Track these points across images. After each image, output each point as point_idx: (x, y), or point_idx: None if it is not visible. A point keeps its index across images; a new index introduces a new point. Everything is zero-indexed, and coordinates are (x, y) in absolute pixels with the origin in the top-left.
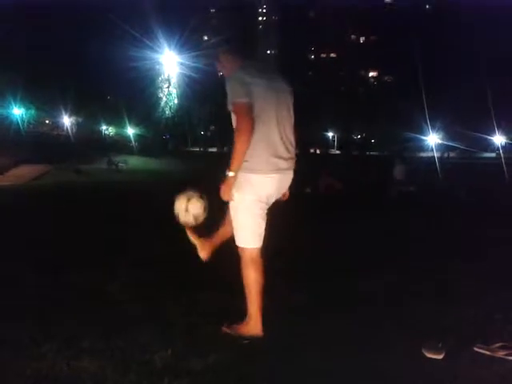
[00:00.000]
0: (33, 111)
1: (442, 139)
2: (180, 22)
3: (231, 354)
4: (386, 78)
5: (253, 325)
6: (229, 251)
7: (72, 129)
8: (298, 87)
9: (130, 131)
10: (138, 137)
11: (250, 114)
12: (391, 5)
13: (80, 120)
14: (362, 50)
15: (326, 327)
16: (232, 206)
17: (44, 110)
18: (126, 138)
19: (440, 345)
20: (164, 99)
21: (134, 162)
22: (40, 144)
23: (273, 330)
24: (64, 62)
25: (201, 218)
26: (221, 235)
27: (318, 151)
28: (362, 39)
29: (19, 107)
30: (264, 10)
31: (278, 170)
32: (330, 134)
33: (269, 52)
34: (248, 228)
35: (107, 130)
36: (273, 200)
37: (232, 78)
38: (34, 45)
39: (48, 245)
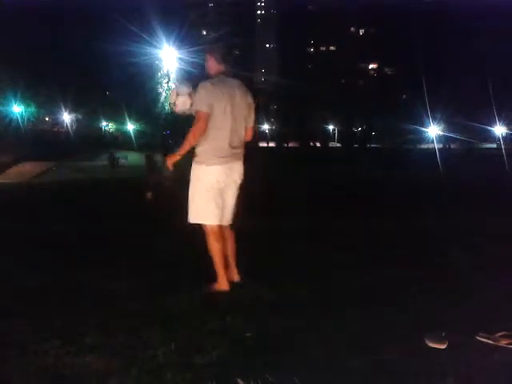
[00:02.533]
0: (33, 108)
1: (443, 131)
2: (179, 17)
3: (233, 349)
4: (386, 70)
5: (221, 283)
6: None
7: (72, 126)
8: (297, 81)
9: (130, 127)
10: (138, 133)
11: (205, 123)
12: None
13: (80, 117)
14: (362, 42)
15: (328, 323)
16: (190, 191)
17: (44, 107)
18: (126, 134)
19: (443, 334)
20: (164, 94)
21: (135, 157)
22: (40, 141)
23: (275, 325)
24: (63, 59)
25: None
26: (228, 254)
27: (317, 144)
28: (361, 31)
29: (19, 104)
30: (262, 4)
31: (222, 162)
32: (331, 127)
33: (267, 46)
34: (204, 208)
35: (107, 126)
36: (228, 184)
37: (203, 86)
38: (33, 42)
39: (49, 243)
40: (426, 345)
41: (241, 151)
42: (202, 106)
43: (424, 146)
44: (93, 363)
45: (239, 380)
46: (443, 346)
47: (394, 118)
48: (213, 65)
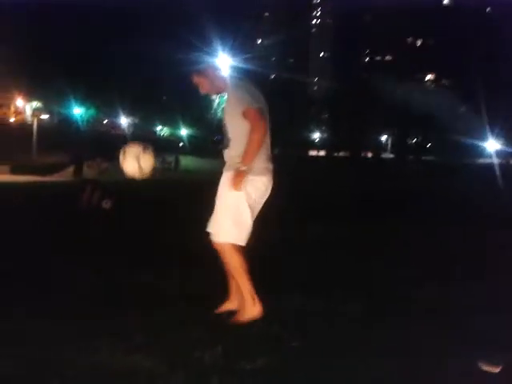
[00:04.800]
0: (92, 111)
1: (503, 145)
2: (234, 25)
3: (280, 357)
4: (443, 81)
5: (251, 309)
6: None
7: (128, 128)
8: (351, 90)
9: (183, 132)
10: (191, 137)
11: (263, 118)
12: (449, 7)
13: (136, 121)
14: (419, 52)
15: (379, 336)
16: (230, 203)
17: (102, 110)
18: (179, 139)
19: (497, 358)
20: (217, 101)
21: (186, 161)
22: (98, 142)
23: (324, 336)
24: (121, 66)
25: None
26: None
27: (369, 155)
28: (418, 42)
29: (79, 107)
30: (318, 13)
31: (269, 172)
32: (384, 138)
33: (321, 55)
34: (243, 227)
35: (161, 130)
36: (260, 202)
37: (239, 86)
38: (95, 48)
39: (101, 243)
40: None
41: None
42: (252, 103)
43: (482, 161)
44: (142, 362)
45: None
46: (497, 370)
47: (451, 131)
48: (217, 77)
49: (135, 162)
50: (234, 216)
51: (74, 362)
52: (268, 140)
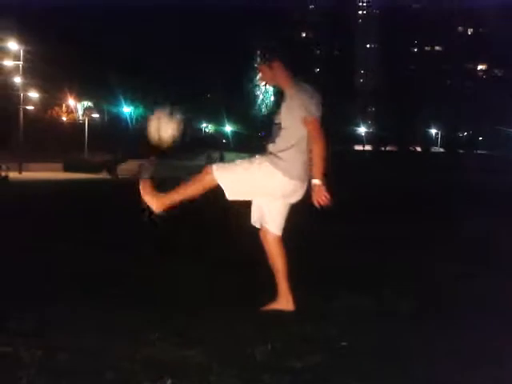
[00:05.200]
0: (140, 109)
1: None
2: (278, 18)
3: (330, 356)
4: (496, 71)
5: (284, 301)
6: None
7: None
8: (399, 81)
9: (228, 128)
10: (235, 134)
11: (322, 128)
12: None
13: (182, 117)
14: (470, 42)
15: (434, 335)
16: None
17: (150, 109)
18: (224, 135)
19: None
20: (261, 97)
21: (231, 157)
22: (146, 140)
23: (375, 335)
24: (169, 64)
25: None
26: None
27: (418, 149)
28: (469, 31)
29: (128, 105)
30: (364, 4)
31: (302, 180)
32: (434, 131)
33: (368, 46)
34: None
35: (207, 127)
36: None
37: (304, 90)
38: (143, 50)
39: (153, 237)
40: None
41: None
42: (316, 111)
43: None
44: (194, 357)
45: None
46: None
47: (504, 123)
48: (281, 74)
49: (157, 127)
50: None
51: (127, 354)
52: (306, 150)
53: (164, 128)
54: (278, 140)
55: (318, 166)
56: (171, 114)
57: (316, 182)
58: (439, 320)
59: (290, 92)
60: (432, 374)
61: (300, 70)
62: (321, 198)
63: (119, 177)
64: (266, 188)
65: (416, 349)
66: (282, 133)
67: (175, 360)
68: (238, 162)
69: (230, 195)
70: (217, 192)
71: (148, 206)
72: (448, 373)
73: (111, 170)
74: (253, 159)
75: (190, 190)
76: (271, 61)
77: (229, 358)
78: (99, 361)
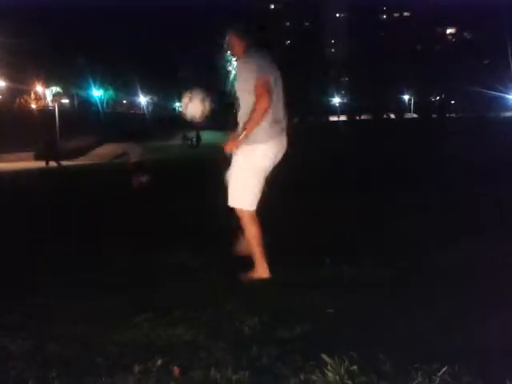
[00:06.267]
0: (111, 92)
1: None
2: None
3: (317, 325)
4: (465, 34)
5: (260, 270)
6: None
7: (148, 108)
8: (369, 50)
9: None
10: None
11: (268, 89)
12: None
13: (155, 98)
14: (438, 6)
15: (415, 302)
16: (236, 173)
17: (121, 91)
18: None
19: None
20: (233, 72)
21: (207, 136)
22: (118, 123)
23: (358, 302)
24: (137, 43)
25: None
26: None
27: (392, 116)
28: None
29: (98, 89)
30: None
31: (275, 136)
32: (406, 97)
33: (338, 15)
34: (252, 192)
35: (179, 106)
36: (271, 166)
37: (250, 56)
38: (110, 30)
39: (129, 223)
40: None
41: (285, 127)
42: (260, 72)
43: (508, 114)
44: (183, 335)
45: (324, 356)
46: None
47: (475, 86)
48: (235, 42)
49: (200, 104)
50: (241, 182)
51: (115, 339)
52: (279, 103)
53: (206, 104)
54: (240, 112)
55: (250, 123)
56: (201, 93)
57: (237, 133)
58: (419, 288)
59: (239, 62)
60: (414, 338)
61: (264, 42)
62: (231, 145)
63: (62, 164)
64: (261, 166)
65: (397, 316)
66: (241, 103)
67: (164, 339)
68: (233, 174)
69: (251, 206)
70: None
71: (137, 173)
72: (428, 336)
73: (51, 155)
74: (233, 164)
75: (252, 235)
76: (227, 32)
77: (216, 333)
78: (88, 347)
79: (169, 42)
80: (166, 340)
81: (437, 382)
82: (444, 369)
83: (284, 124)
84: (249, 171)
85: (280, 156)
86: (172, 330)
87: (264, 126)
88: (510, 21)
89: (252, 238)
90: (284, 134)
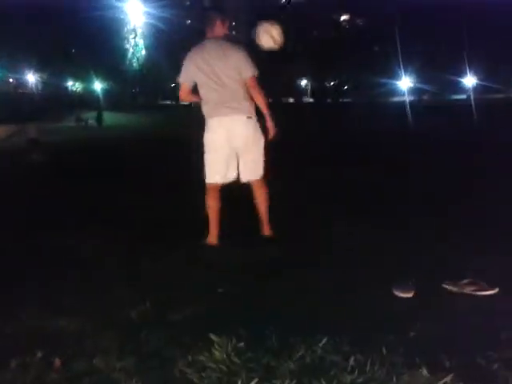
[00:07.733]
0: (4, 70)
1: (414, 83)
2: None
3: (206, 305)
4: (358, 21)
5: (211, 237)
6: None
7: (37, 86)
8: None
9: (98, 86)
10: (106, 92)
11: (183, 90)
12: None
13: (45, 77)
14: None
15: (302, 278)
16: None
17: (7, 68)
18: (94, 94)
19: (410, 283)
20: (131, 51)
21: (109, 117)
22: (3, 104)
23: (250, 281)
24: (23, 17)
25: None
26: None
27: (291, 100)
28: None
29: None
30: None
31: (221, 115)
32: (303, 82)
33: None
34: (207, 166)
35: (74, 86)
36: (230, 142)
37: (186, 58)
38: None
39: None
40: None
41: (239, 106)
42: (181, 77)
43: (396, 99)
44: (69, 325)
45: (212, 335)
46: (410, 295)
47: (366, 71)
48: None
49: (268, 36)
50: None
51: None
52: (212, 94)
53: (275, 33)
54: (223, 96)
55: (262, 103)
56: (272, 22)
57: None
58: (308, 268)
59: (229, 45)
60: (300, 314)
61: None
62: (272, 130)
63: None
64: (211, 139)
65: (282, 294)
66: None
67: (48, 331)
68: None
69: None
70: None
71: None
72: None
73: None
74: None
75: (208, 205)
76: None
77: (104, 321)
78: None
79: (58, 16)
80: (48, 331)
81: (318, 352)
82: (324, 340)
83: (235, 105)
84: (205, 147)
85: (244, 135)
86: (58, 320)
87: (209, 98)
88: (399, 9)
89: (207, 207)
90: (237, 113)
